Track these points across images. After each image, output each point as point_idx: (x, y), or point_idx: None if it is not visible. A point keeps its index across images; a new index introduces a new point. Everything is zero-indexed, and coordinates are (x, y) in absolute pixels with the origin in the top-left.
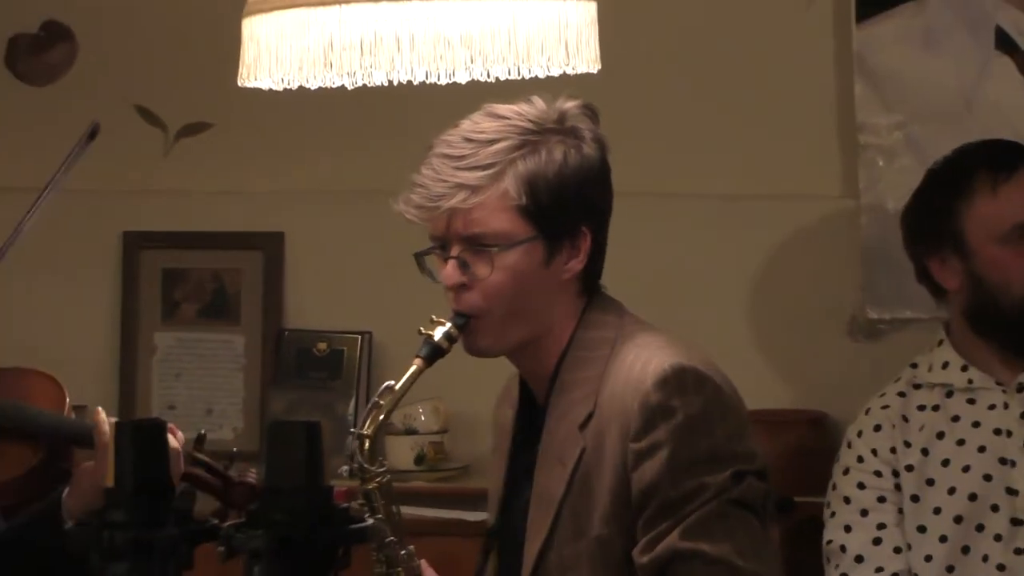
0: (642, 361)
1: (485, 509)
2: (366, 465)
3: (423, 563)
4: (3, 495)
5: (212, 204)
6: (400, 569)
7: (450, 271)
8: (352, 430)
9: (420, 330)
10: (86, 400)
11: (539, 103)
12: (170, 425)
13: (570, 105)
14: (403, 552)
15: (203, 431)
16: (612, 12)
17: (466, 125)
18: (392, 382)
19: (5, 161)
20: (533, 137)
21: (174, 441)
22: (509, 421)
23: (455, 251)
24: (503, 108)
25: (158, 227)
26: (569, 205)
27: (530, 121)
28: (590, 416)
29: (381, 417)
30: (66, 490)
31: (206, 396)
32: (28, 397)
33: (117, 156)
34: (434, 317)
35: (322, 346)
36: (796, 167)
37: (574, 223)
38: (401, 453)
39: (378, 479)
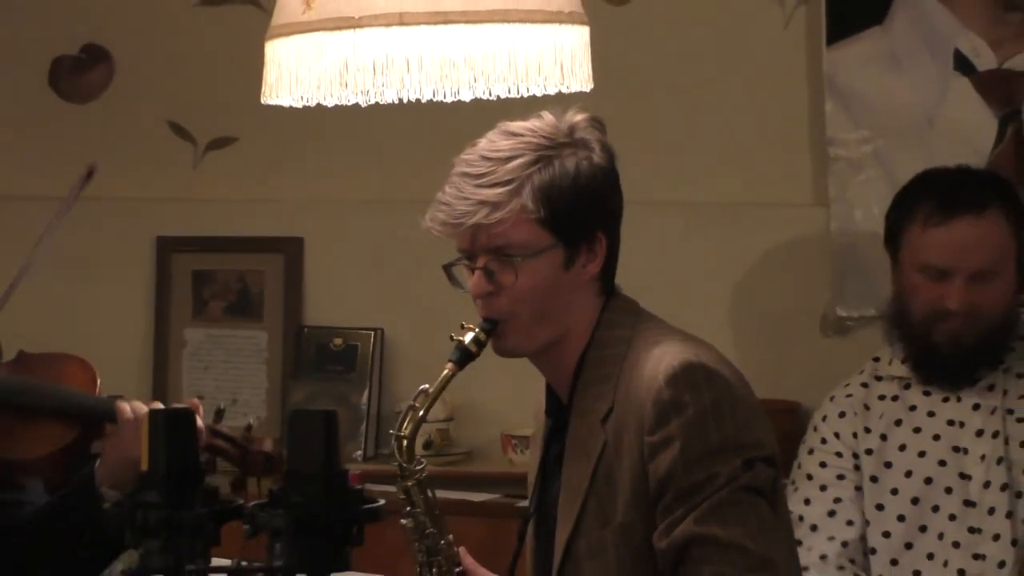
0: (655, 359)
1: (486, 491)
2: (405, 464)
3: (462, 550)
4: (43, 468)
5: (237, 211)
6: (440, 558)
7: (477, 281)
8: (391, 431)
9: (451, 336)
10: (123, 391)
11: (549, 118)
12: (192, 400)
13: (579, 118)
14: (442, 542)
15: (222, 406)
16: (603, 35)
17: (483, 144)
18: (426, 386)
19: (48, 173)
20: (547, 152)
21: (198, 409)
22: (543, 421)
23: (481, 262)
24: (516, 126)
25: (188, 232)
26: (584, 213)
27: (543, 137)
28: (610, 411)
29: (418, 418)
30: (98, 462)
31: (232, 387)
32: (63, 379)
33: (151, 167)
34: (464, 323)
35: (338, 341)
36: (771, 177)
37: (590, 229)
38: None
39: (416, 476)
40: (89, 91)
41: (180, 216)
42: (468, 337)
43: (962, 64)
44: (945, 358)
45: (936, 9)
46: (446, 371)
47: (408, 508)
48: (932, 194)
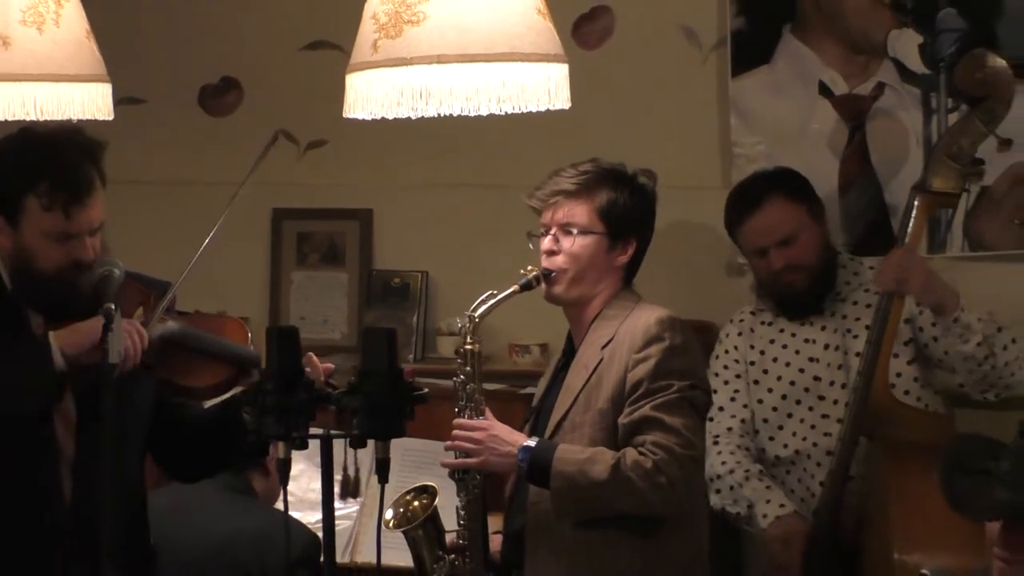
0: (647, 314)
1: (497, 382)
2: (470, 335)
3: (487, 408)
4: (203, 395)
5: (327, 191)
6: (473, 404)
7: (547, 242)
8: (467, 312)
9: (521, 271)
10: (249, 314)
11: (622, 165)
12: (327, 366)
13: (639, 170)
14: (477, 394)
15: (334, 367)
16: (577, 70)
17: (574, 165)
18: (495, 291)
19: (203, 164)
20: (620, 178)
21: (320, 371)
22: (556, 358)
23: (553, 230)
24: (596, 160)
25: (294, 206)
26: (628, 223)
27: (618, 169)
28: (609, 341)
29: (486, 306)
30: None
31: (323, 312)
32: (224, 333)
33: (270, 161)
34: (530, 267)
35: (396, 280)
36: (693, 168)
37: (628, 234)
38: (446, 347)
39: (471, 344)
40: (226, 109)
41: (288, 194)
42: (532, 275)
43: (824, 90)
44: (791, 299)
45: (806, 52)
46: (512, 288)
47: (461, 364)
48: (731, 200)
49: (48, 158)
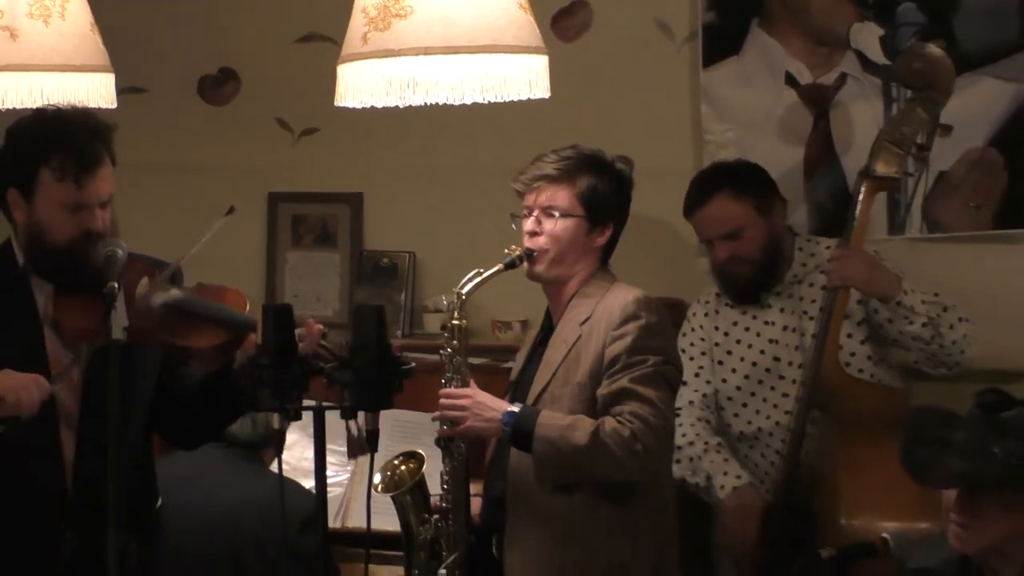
0: (624, 293)
1: (481, 356)
2: (457, 311)
3: (471, 380)
4: (203, 356)
5: (320, 176)
6: (459, 375)
7: (530, 223)
8: (454, 289)
9: (505, 251)
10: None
11: (601, 152)
12: (318, 327)
13: (617, 157)
14: (463, 368)
15: (327, 331)
16: (556, 62)
17: (559, 151)
18: (481, 270)
19: (202, 151)
20: (599, 165)
21: (314, 330)
22: (534, 332)
23: (536, 213)
24: (583, 148)
25: (289, 190)
26: (606, 208)
27: (597, 156)
28: (587, 319)
29: (472, 284)
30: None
31: (316, 290)
32: (224, 301)
33: (266, 148)
34: (513, 247)
35: (386, 260)
36: (667, 154)
37: (606, 218)
38: (432, 323)
39: (458, 320)
40: (224, 98)
41: (283, 179)
42: (515, 254)
43: (790, 80)
44: (733, 288)
45: (773, 44)
46: (497, 267)
47: (448, 338)
48: (688, 190)
49: (60, 133)
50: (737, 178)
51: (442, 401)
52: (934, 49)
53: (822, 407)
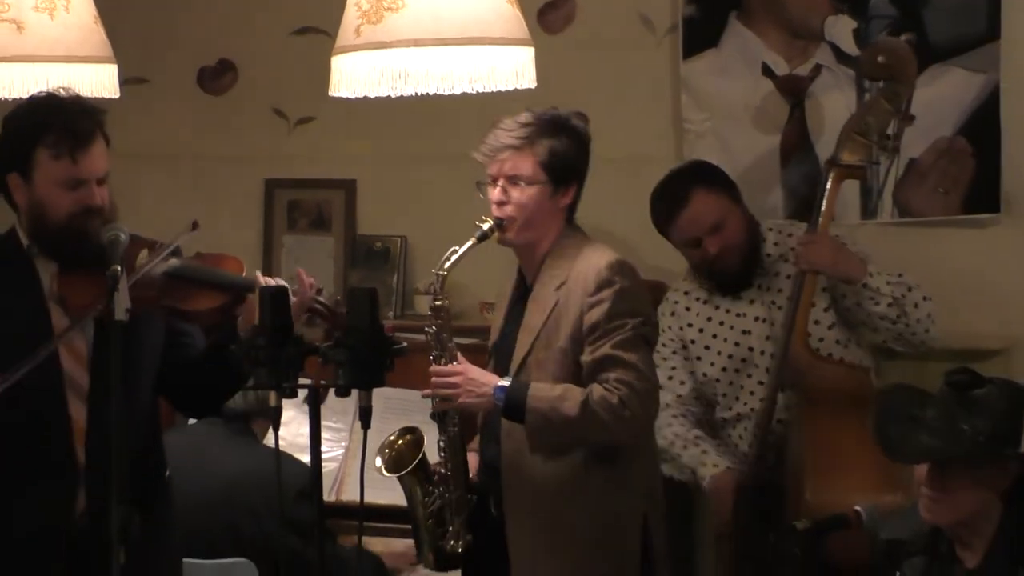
0: (596, 256)
1: (468, 337)
2: (439, 291)
3: (459, 354)
4: (204, 318)
5: (315, 163)
6: (447, 354)
7: (496, 192)
8: (433, 270)
9: (475, 223)
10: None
11: (556, 110)
12: (310, 280)
13: (576, 113)
14: (450, 344)
15: (321, 287)
16: (542, 52)
17: (516, 116)
18: (457, 247)
19: (202, 139)
20: (555, 126)
21: (307, 286)
22: (507, 292)
23: (501, 182)
24: (537, 110)
25: (285, 176)
26: (567, 169)
27: (552, 117)
28: (563, 284)
29: (451, 261)
30: (240, 317)
31: (312, 272)
32: (223, 266)
33: (262, 136)
34: (483, 218)
35: (378, 244)
36: (650, 141)
37: (569, 179)
38: (423, 305)
39: (442, 301)
40: (222, 88)
41: (279, 166)
42: (486, 226)
43: (767, 71)
44: (728, 279)
45: (750, 37)
46: (471, 241)
47: (433, 318)
48: (656, 201)
49: (52, 114)
50: (705, 175)
51: (434, 379)
52: (897, 43)
53: (790, 385)
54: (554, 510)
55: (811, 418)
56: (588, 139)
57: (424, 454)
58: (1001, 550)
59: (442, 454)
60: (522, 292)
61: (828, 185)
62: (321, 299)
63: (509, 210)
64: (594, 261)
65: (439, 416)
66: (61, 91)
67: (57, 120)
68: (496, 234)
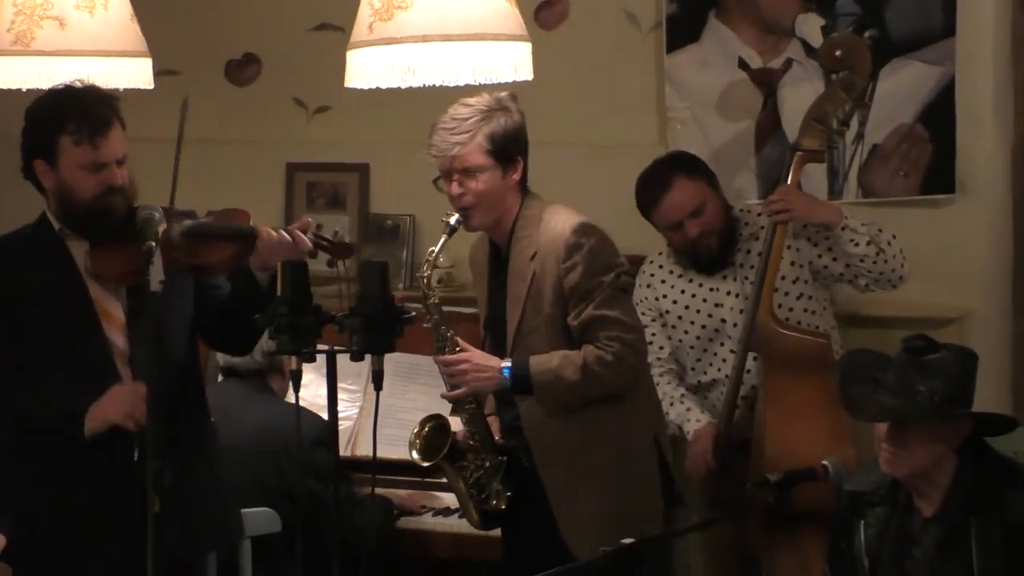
0: (560, 221)
1: (472, 307)
2: (427, 291)
3: (459, 339)
4: (222, 269)
5: (332, 148)
6: (447, 343)
7: (454, 187)
8: (417, 274)
9: (443, 219)
10: None
11: (487, 95)
12: (307, 220)
13: (504, 95)
14: (449, 334)
15: (319, 224)
16: (538, 47)
17: (451, 110)
18: (434, 248)
19: (228, 126)
20: (489, 113)
21: (305, 223)
22: (482, 261)
23: (455, 176)
24: (470, 100)
25: (304, 160)
26: (511, 147)
27: (485, 105)
28: (535, 254)
29: (428, 263)
30: (250, 260)
31: None
32: (232, 219)
33: (283, 123)
34: (448, 213)
35: (389, 222)
36: (635, 128)
37: (514, 156)
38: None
39: (433, 298)
40: (247, 79)
41: (299, 151)
42: (452, 220)
43: (742, 65)
44: (704, 260)
45: (728, 33)
46: (444, 238)
47: (430, 315)
48: (641, 187)
49: (71, 103)
50: (685, 163)
51: (442, 369)
52: (853, 37)
53: (757, 350)
54: (581, 449)
55: (772, 379)
56: (521, 114)
57: (453, 437)
58: (955, 500)
59: (468, 427)
60: (499, 262)
61: (792, 169)
62: (321, 233)
63: (469, 199)
64: (559, 228)
65: (455, 401)
66: (77, 83)
67: (76, 109)
68: (463, 224)
